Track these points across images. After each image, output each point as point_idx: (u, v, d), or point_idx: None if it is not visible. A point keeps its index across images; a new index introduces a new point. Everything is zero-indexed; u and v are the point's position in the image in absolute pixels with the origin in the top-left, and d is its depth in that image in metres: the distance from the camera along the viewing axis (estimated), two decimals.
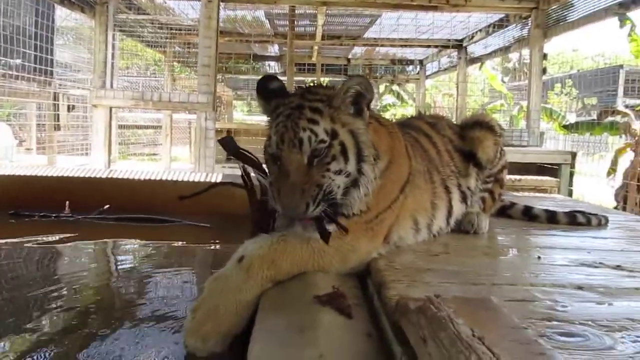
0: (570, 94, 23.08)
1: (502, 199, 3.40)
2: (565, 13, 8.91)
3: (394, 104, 21.90)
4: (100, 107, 7.60)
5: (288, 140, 2.00)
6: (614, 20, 7.81)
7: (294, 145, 1.99)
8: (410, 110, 19.53)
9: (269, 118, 2.22)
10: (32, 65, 9.55)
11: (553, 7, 8.84)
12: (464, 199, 2.96)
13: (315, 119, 2.03)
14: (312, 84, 2.32)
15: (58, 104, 10.39)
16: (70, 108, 11.05)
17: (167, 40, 13.42)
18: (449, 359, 1.09)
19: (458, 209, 2.92)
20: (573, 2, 8.45)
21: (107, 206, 4.44)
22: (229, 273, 1.99)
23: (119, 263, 3.58)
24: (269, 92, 2.25)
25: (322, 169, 2.00)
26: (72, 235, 3.91)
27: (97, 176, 4.87)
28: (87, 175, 4.86)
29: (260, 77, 2.34)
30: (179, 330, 2.16)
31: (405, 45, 13.88)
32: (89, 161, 8.25)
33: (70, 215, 4.38)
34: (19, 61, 9.25)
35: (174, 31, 12.65)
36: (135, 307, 2.58)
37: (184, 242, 4.04)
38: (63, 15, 11.56)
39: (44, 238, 3.80)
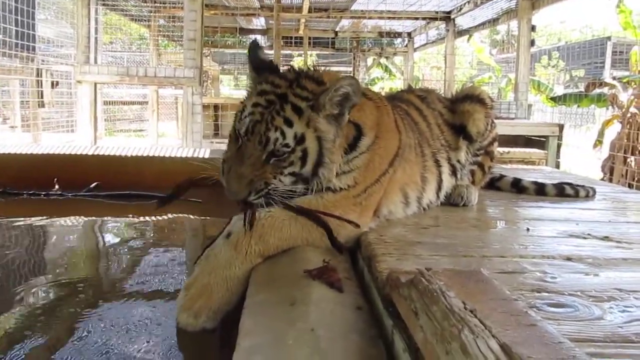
0: (557, 66, 23.11)
1: (492, 172, 3.41)
2: None
3: (382, 77, 21.79)
4: (85, 83, 7.48)
5: (257, 133, 2.02)
6: None
7: (260, 142, 2.01)
8: (398, 84, 19.46)
9: (251, 86, 2.22)
10: (13, 40, 9.35)
11: None
12: (453, 172, 2.97)
13: (291, 120, 2.03)
14: (306, 70, 2.27)
15: (41, 81, 10.22)
16: (54, 84, 10.87)
17: (152, 14, 13.19)
18: (441, 332, 1.09)
19: (448, 182, 2.93)
20: None
21: (97, 183, 4.39)
22: (218, 250, 1.98)
23: (108, 240, 3.56)
24: (259, 62, 2.24)
25: (277, 169, 2.04)
26: (62, 213, 3.88)
27: (86, 153, 4.81)
28: (75, 152, 4.80)
29: (250, 44, 2.31)
30: (170, 306, 2.16)
31: (393, 18, 13.73)
32: (75, 138, 8.15)
33: (59, 192, 4.33)
34: None
35: (158, 4, 12.42)
36: (126, 284, 2.57)
37: (175, 218, 4.02)
38: None
39: (33, 216, 3.76)
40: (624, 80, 8.83)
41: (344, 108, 2.11)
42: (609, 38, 21.26)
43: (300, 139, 2.04)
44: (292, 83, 2.13)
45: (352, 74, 18.40)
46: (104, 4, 11.22)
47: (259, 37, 17.86)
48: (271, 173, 2.03)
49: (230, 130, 2.17)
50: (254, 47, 2.28)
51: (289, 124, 2.03)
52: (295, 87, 2.12)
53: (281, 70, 2.29)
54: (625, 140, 8.19)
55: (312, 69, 2.31)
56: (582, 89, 11.10)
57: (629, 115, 8.25)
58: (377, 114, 2.40)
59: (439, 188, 2.86)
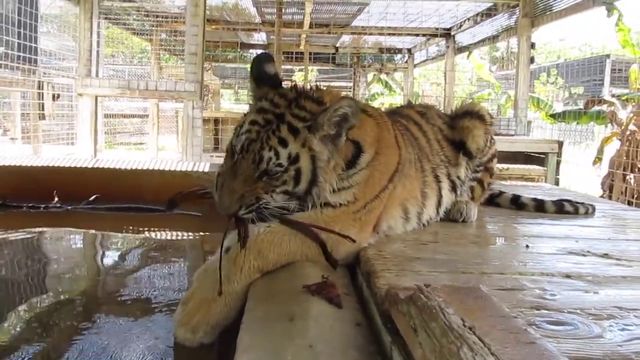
0: (556, 83, 23.22)
1: (491, 188, 3.41)
2: (553, 2, 8.92)
3: (382, 93, 21.86)
4: (86, 95, 7.51)
5: (251, 151, 2.03)
6: (601, 10, 7.83)
7: (254, 161, 2.02)
8: (398, 99, 19.52)
9: (252, 102, 2.23)
10: (15, 53, 9.39)
11: None
12: (453, 188, 2.97)
13: (286, 140, 2.04)
14: (307, 90, 2.27)
15: (43, 93, 10.25)
16: (55, 97, 10.89)
17: (154, 28, 13.28)
18: (440, 349, 1.09)
19: (448, 198, 2.93)
20: None
21: (96, 196, 4.39)
22: (216, 264, 1.97)
23: (107, 253, 3.55)
24: (261, 74, 2.25)
25: (269, 187, 2.05)
26: (62, 226, 3.88)
27: (86, 166, 4.81)
28: (75, 165, 4.80)
29: (256, 56, 2.33)
30: (168, 320, 2.15)
31: (394, 34, 13.82)
32: (75, 151, 8.16)
33: (59, 205, 4.33)
34: (2, 49, 9.09)
35: (160, 19, 12.51)
36: (123, 298, 2.56)
37: (174, 232, 4.01)
38: (47, 2, 11.40)
39: (33, 229, 3.76)
40: (623, 98, 8.86)
41: (341, 129, 2.12)
42: (608, 56, 21.39)
43: (294, 159, 2.05)
44: (292, 103, 2.13)
45: (352, 89, 18.53)
46: (106, 18, 11.30)
47: (260, 52, 17.96)
48: (263, 189, 2.04)
49: (228, 145, 2.17)
50: (261, 59, 2.29)
51: (284, 144, 2.03)
52: (294, 107, 2.12)
53: (283, 85, 2.29)
54: (625, 158, 8.20)
55: (313, 87, 2.31)
56: (582, 106, 11.14)
57: (628, 132, 8.27)
58: (377, 131, 2.40)
59: (439, 204, 2.86)
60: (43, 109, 10.32)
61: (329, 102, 2.16)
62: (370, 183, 2.28)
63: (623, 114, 8.51)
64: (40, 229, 3.77)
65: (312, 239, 2.06)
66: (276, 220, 2.05)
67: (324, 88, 2.35)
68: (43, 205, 4.29)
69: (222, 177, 2.05)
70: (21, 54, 9.53)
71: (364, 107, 2.49)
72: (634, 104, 8.43)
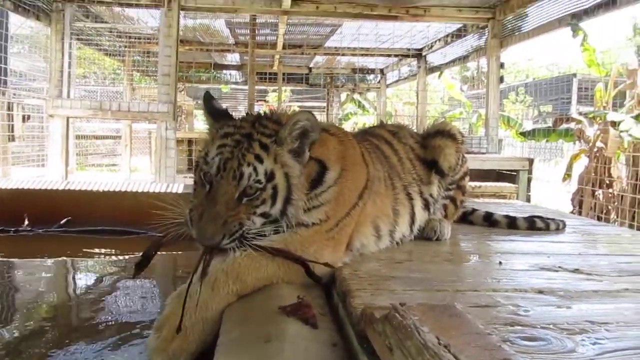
0: (524, 101, 23.67)
1: (464, 205, 3.45)
2: (521, 23, 9.14)
3: (355, 113, 21.98)
4: (57, 117, 7.42)
5: (230, 169, 2.00)
6: (567, 31, 8.03)
7: (234, 177, 2.00)
8: (371, 119, 19.66)
9: (211, 133, 2.21)
10: None
11: (508, 18, 9.05)
12: (426, 206, 2.99)
13: (261, 156, 2.04)
14: (264, 113, 2.31)
15: (12, 114, 10.07)
16: (25, 118, 10.71)
17: (126, 48, 13.20)
18: None
19: (421, 216, 2.95)
20: (528, 12, 8.67)
21: (68, 218, 4.32)
22: (193, 290, 1.94)
23: (77, 277, 3.49)
24: (214, 110, 2.27)
25: (250, 209, 2.03)
26: (31, 250, 3.80)
27: (57, 188, 4.73)
28: (46, 188, 4.72)
29: (204, 95, 2.32)
30: (141, 345, 2.11)
31: (366, 54, 13.99)
32: (46, 172, 8.02)
33: (29, 229, 4.24)
34: None
35: (133, 40, 12.45)
36: (95, 323, 2.51)
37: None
38: (18, 23, 11.25)
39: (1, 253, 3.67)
40: (590, 116, 9.07)
41: (303, 144, 2.15)
42: (574, 75, 21.90)
43: (270, 176, 2.05)
44: (254, 123, 2.16)
45: (326, 109, 18.62)
46: (78, 39, 11.20)
47: (233, 72, 17.99)
48: (244, 213, 2.01)
49: (195, 177, 2.14)
50: (209, 97, 2.30)
51: (260, 160, 2.04)
52: (258, 126, 2.14)
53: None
54: (593, 174, 8.37)
55: (269, 111, 2.35)
56: (550, 124, 11.35)
57: (595, 149, 8.45)
58: (342, 148, 2.42)
59: (412, 221, 2.87)
60: (12, 131, 10.12)
61: (286, 120, 2.18)
62: (340, 200, 2.29)
63: (590, 132, 8.70)
64: (10, 252, 3.69)
65: (294, 261, 2.05)
66: (253, 248, 2.02)
67: (280, 111, 2.37)
68: (13, 229, 4.21)
69: (198, 208, 1.99)
70: None
71: (326, 126, 2.53)
72: (600, 121, 8.63)
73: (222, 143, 2.07)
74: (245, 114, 2.33)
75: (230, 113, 2.31)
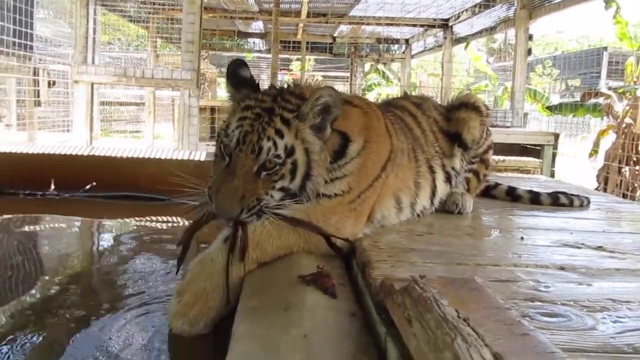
0: (552, 75, 23.21)
1: (487, 180, 3.42)
2: None
3: (379, 83, 21.81)
4: (82, 83, 7.47)
5: (249, 143, 1.98)
6: (599, 2, 7.82)
7: (253, 151, 1.98)
8: (395, 90, 19.48)
9: (233, 104, 2.20)
10: (11, 39, 9.30)
11: None
12: (448, 179, 2.97)
13: (282, 131, 2.02)
14: (287, 86, 2.28)
15: (38, 80, 10.17)
16: (51, 84, 10.82)
17: (150, 15, 13.18)
18: (434, 340, 1.09)
19: (442, 189, 2.93)
20: None
21: (94, 184, 4.38)
22: (215, 255, 1.97)
23: (102, 242, 3.55)
24: (238, 79, 2.23)
25: (268, 184, 2.01)
26: (58, 213, 3.87)
27: (82, 154, 4.80)
28: (72, 153, 4.79)
29: (230, 62, 2.28)
30: (162, 310, 2.15)
31: (391, 24, 13.77)
32: (71, 138, 8.13)
33: (56, 193, 4.32)
34: None
35: (157, 6, 12.41)
36: (118, 287, 2.56)
37: (170, 220, 4.01)
38: None
39: (29, 216, 3.75)
40: (619, 91, 8.87)
41: (325, 120, 2.12)
42: (605, 48, 21.38)
43: (290, 151, 2.03)
44: (276, 97, 2.13)
45: (349, 79, 18.48)
46: (102, 5, 11.21)
47: (257, 40, 17.89)
48: (262, 188, 2.00)
49: (216, 150, 2.13)
50: (236, 64, 2.25)
51: (280, 134, 2.02)
52: (280, 100, 2.12)
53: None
54: (620, 151, 8.22)
55: (292, 84, 2.32)
56: (578, 99, 11.14)
57: (623, 125, 8.28)
58: (365, 120, 2.40)
59: (433, 194, 2.86)
60: (39, 96, 10.25)
61: (309, 95, 2.15)
62: (363, 172, 2.28)
63: (619, 107, 8.52)
64: (35, 215, 3.76)
65: (316, 232, 2.05)
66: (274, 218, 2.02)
67: (303, 84, 2.33)
68: (40, 193, 4.29)
69: (217, 182, 1.98)
70: (16, 40, 9.45)
71: (349, 98, 2.50)
72: (629, 97, 8.43)
73: (243, 116, 2.06)
74: (268, 86, 2.30)
75: (255, 81, 2.27)
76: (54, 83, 11.18)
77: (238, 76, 2.24)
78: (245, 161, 1.98)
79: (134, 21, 14.00)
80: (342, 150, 2.24)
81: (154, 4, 12.28)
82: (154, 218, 4.04)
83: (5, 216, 3.76)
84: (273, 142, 2.00)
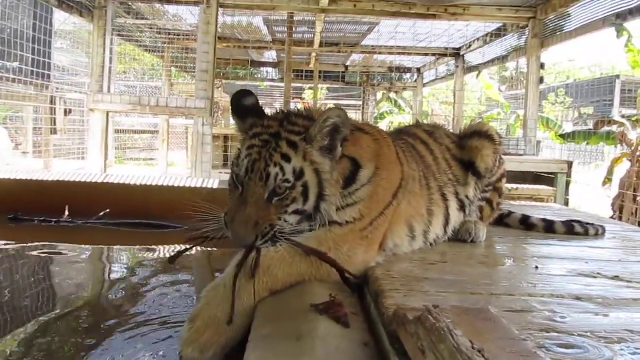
0: (564, 103, 23.18)
1: (500, 208, 3.40)
2: (562, 23, 8.96)
3: (391, 112, 21.89)
4: (97, 111, 7.58)
5: (257, 170, 2.02)
6: (611, 31, 7.83)
7: (261, 178, 2.01)
8: (407, 118, 19.54)
9: (242, 135, 2.23)
10: (29, 68, 9.51)
11: (550, 17, 8.88)
12: (461, 207, 2.95)
13: (288, 155, 2.05)
14: (293, 110, 2.32)
15: (55, 108, 10.35)
16: (67, 112, 11.00)
17: (165, 45, 13.42)
18: None
19: (455, 217, 2.91)
20: (570, 12, 8.48)
21: (107, 210, 4.41)
22: (227, 280, 1.96)
23: (113, 269, 3.56)
24: (243, 109, 2.25)
25: (280, 209, 2.04)
26: (72, 240, 3.89)
27: (96, 180, 4.85)
28: (86, 180, 4.84)
29: (233, 94, 2.30)
30: (175, 337, 2.14)
31: (403, 53, 13.91)
32: (85, 165, 8.22)
33: (70, 219, 4.35)
34: (16, 64, 9.21)
35: (172, 36, 12.64)
36: (130, 314, 2.55)
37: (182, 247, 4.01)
38: (61, 19, 11.54)
39: (43, 243, 3.77)
40: (633, 119, 8.83)
41: (334, 140, 2.14)
42: (617, 76, 21.33)
43: (299, 174, 2.05)
44: (282, 121, 2.16)
45: (361, 108, 18.58)
46: (119, 35, 11.43)
47: (270, 69, 18.09)
48: (275, 214, 2.03)
49: (229, 181, 2.17)
50: (239, 95, 2.28)
51: (287, 159, 2.04)
52: (286, 124, 2.14)
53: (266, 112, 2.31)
54: (635, 178, 8.14)
55: (302, 108, 2.35)
56: (591, 127, 11.09)
57: (638, 153, 8.22)
58: (376, 147, 2.42)
59: (446, 222, 2.84)
60: (55, 124, 10.41)
61: (317, 116, 2.18)
62: (374, 199, 2.28)
63: (633, 135, 8.47)
64: (48, 243, 3.79)
65: (330, 264, 2.05)
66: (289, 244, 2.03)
67: (312, 107, 2.37)
68: (54, 219, 4.32)
69: (232, 209, 2.03)
70: (35, 69, 9.64)
71: (360, 125, 2.52)
72: None
73: (251, 144, 2.09)
74: (275, 111, 2.33)
75: (261, 107, 2.29)
76: (69, 111, 11.36)
77: (243, 106, 2.26)
78: (255, 189, 2.01)
79: (150, 50, 14.26)
80: (352, 176, 2.25)
81: (169, 33, 12.51)
82: (165, 246, 4.04)
83: (19, 245, 3.78)
84: (280, 167, 2.02)
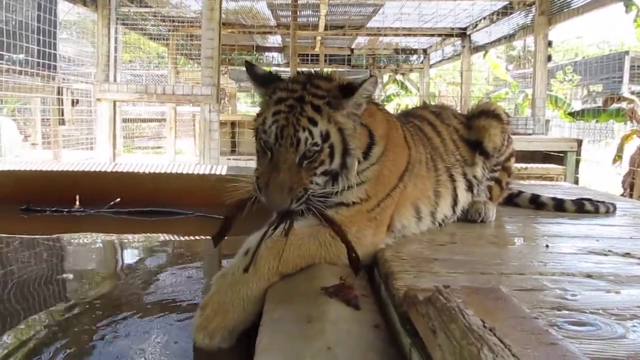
0: (573, 81, 22.97)
1: (510, 187, 3.38)
2: None
3: (397, 94, 21.79)
4: (104, 100, 7.59)
5: (287, 137, 2.01)
6: (620, 6, 7.73)
7: (292, 144, 2.01)
8: (414, 100, 19.45)
9: (264, 99, 2.22)
10: (35, 59, 9.53)
11: None
12: (470, 187, 2.95)
13: (315, 119, 2.05)
14: (314, 72, 2.32)
15: (62, 99, 10.38)
16: (74, 102, 11.03)
17: (170, 32, 13.39)
18: (460, 350, 1.08)
19: (464, 197, 2.90)
20: None
21: (118, 199, 4.44)
22: (236, 267, 1.98)
23: (126, 257, 3.58)
24: (262, 76, 2.28)
25: (311, 172, 2.05)
26: (84, 230, 3.91)
27: (106, 170, 4.87)
28: (96, 170, 4.86)
29: (246, 65, 2.33)
30: (187, 324, 2.16)
31: (409, 35, 13.80)
32: (94, 155, 8.25)
33: (82, 209, 4.38)
34: (22, 56, 9.23)
35: (176, 24, 12.62)
36: (143, 301, 2.57)
37: (194, 235, 4.03)
38: (65, 9, 11.55)
39: (55, 233, 3.80)
40: None
41: (363, 105, 2.18)
42: (626, 52, 21.08)
43: (325, 136, 2.06)
44: (306, 84, 2.16)
45: None
46: (123, 24, 11.41)
47: (275, 54, 18.03)
48: (306, 178, 2.04)
49: (256, 146, 2.17)
50: (250, 66, 2.31)
51: (314, 123, 2.04)
52: (310, 87, 2.14)
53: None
54: None
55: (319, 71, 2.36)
56: (600, 104, 10.99)
57: None
58: (387, 126, 2.43)
59: (455, 203, 2.83)
60: (62, 115, 10.45)
61: (337, 79, 2.21)
62: (381, 180, 2.29)
63: None
64: (60, 234, 3.82)
65: (341, 238, 2.05)
66: (316, 212, 2.06)
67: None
68: (66, 210, 4.35)
69: (264, 176, 2.02)
70: (41, 60, 9.66)
71: (374, 101, 2.52)
72: None
73: (277, 110, 2.08)
74: (296, 74, 2.33)
75: (278, 75, 2.32)
76: (77, 102, 11.40)
77: (259, 74, 2.29)
78: (287, 155, 2.01)
79: (155, 39, 14.24)
80: (367, 151, 2.27)
81: (173, 21, 12.48)
82: (177, 232, 4.06)
83: (31, 235, 3.82)
84: (309, 131, 2.03)
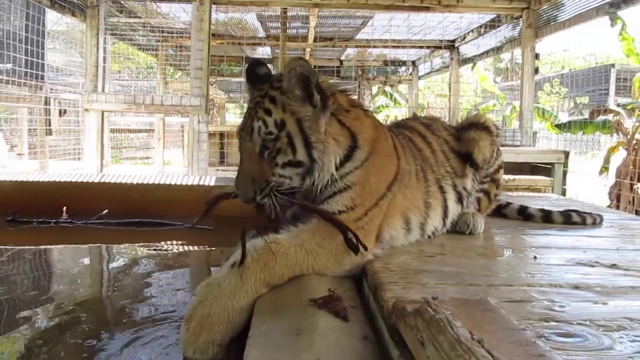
0: (560, 93, 23.22)
1: (498, 199, 3.40)
2: (556, 13, 8.93)
3: (387, 105, 21.86)
4: (92, 111, 7.56)
5: (245, 128, 2.18)
6: (605, 20, 7.82)
7: (248, 134, 2.17)
8: (403, 111, 19.53)
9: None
10: (23, 69, 9.46)
11: (544, 7, 8.85)
12: (459, 199, 2.96)
13: (269, 109, 2.17)
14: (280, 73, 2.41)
15: (49, 109, 10.31)
16: (61, 112, 10.96)
17: (159, 43, 13.36)
18: None
19: (454, 209, 2.91)
20: (564, 1, 8.46)
21: (106, 211, 4.41)
22: (222, 279, 1.94)
23: (114, 268, 3.55)
24: (256, 77, 2.38)
25: (272, 163, 2.16)
26: (71, 241, 3.88)
27: (94, 180, 4.83)
28: (84, 180, 4.82)
29: (248, 64, 2.45)
30: (176, 335, 2.14)
31: (398, 46, 13.87)
32: (82, 166, 8.20)
33: (69, 220, 4.34)
34: (9, 65, 9.17)
35: (165, 34, 12.59)
36: (130, 313, 2.55)
37: (183, 246, 4.01)
38: (54, 19, 11.49)
39: (42, 245, 3.77)
40: (628, 107, 8.84)
41: (308, 88, 2.19)
42: (612, 65, 21.38)
43: (281, 125, 2.15)
44: (273, 82, 2.27)
45: None
46: (112, 34, 11.38)
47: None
48: (268, 170, 2.14)
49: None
50: (252, 64, 2.42)
51: (268, 113, 2.16)
52: (275, 83, 2.25)
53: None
54: (632, 167, 8.16)
55: None
56: (587, 116, 11.11)
57: (634, 142, 8.24)
58: (375, 133, 2.44)
59: (445, 214, 2.84)
60: (50, 125, 10.38)
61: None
62: (367, 188, 2.29)
63: (629, 123, 8.49)
64: (46, 245, 3.78)
65: (333, 224, 2.08)
66: (291, 203, 2.15)
67: None
68: (53, 221, 4.31)
69: (238, 169, 2.19)
70: (28, 70, 9.60)
71: (364, 108, 2.57)
72: (639, 113, 8.40)
73: (248, 107, 2.28)
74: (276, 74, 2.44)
75: (271, 76, 2.40)
76: (64, 112, 11.32)
77: (254, 75, 2.39)
78: (247, 145, 2.17)
79: (144, 49, 14.19)
80: (349, 154, 2.30)
81: (162, 32, 12.45)
82: (164, 243, 4.04)
83: (18, 247, 3.78)
84: (262, 121, 2.15)
